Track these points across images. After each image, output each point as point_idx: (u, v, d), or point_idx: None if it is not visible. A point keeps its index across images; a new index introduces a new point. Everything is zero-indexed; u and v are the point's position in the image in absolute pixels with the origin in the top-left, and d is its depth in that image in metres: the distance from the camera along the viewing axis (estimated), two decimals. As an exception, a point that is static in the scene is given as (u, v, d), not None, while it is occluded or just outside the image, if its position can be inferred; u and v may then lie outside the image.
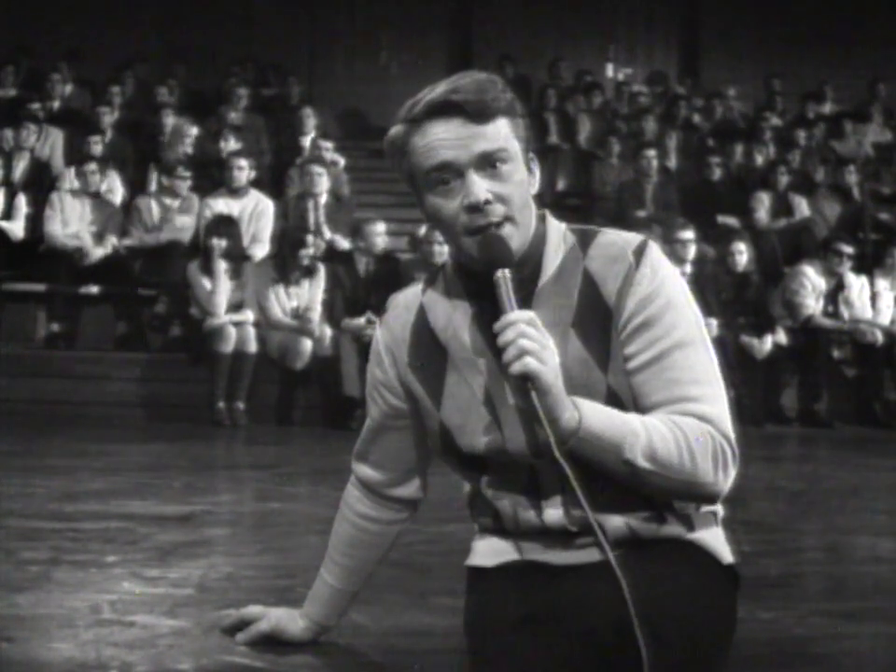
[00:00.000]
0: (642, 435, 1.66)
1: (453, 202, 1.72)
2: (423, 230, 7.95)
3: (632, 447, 1.65)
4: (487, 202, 1.70)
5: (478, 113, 1.71)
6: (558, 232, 1.82)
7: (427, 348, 1.84)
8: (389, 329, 1.90)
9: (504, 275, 1.68)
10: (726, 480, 1.72)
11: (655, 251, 1.78)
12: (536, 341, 1.61)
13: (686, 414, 1.70)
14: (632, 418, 1.69)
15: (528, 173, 1.77)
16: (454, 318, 1.81)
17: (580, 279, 1.77)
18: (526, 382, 1.60)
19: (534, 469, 1.77)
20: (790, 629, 2.62)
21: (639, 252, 1.76)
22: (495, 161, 1.72)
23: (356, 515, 2.09)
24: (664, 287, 1.75)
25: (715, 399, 1.74)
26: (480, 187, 1.70)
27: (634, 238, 1.79)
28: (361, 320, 7.54)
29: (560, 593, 1.75)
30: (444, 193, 1.73)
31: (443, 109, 1.71)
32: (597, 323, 1.75)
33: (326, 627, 2.20)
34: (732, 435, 1.73)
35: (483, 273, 1.72)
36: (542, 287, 1.76)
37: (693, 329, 1.76)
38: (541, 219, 1.82)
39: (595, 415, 1.66)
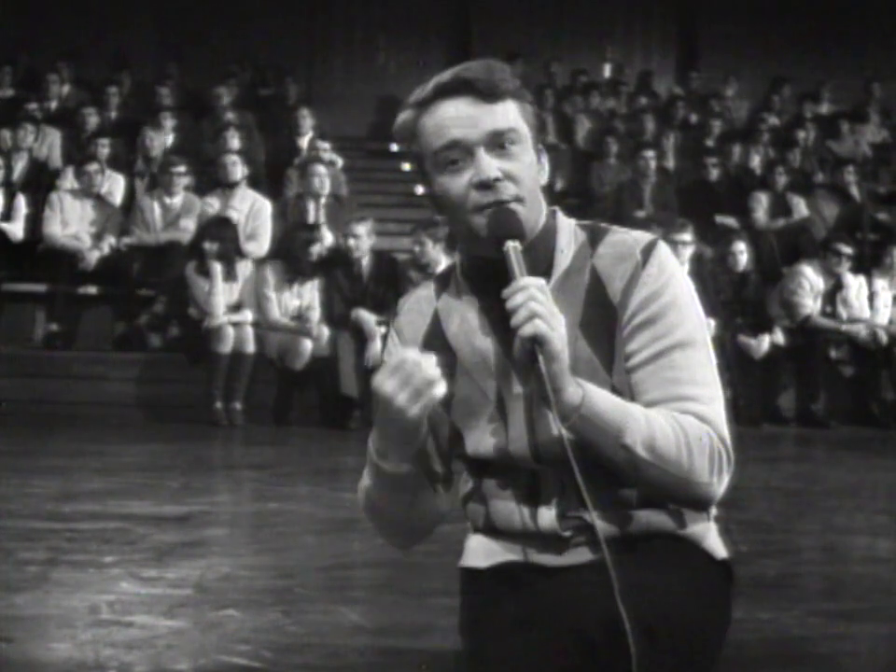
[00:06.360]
0: (643, 423, 1.66)
1: (461, 179, 1.71)
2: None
3: (632, 433, 1.65)
4: (497, 179, 1.70)
5: (487, 91, 1.71)
6: (569, 229, 1.81)
7: (438, 353, 1.84)
8: (401, 333, 1.89)
9: (514, 246, 1.67)
10: (720, 483, 1.71)
11: (664, 250, 1.78)
12: (545, 306, 1.61)
13: (685, 413, 1.70)
14: (634, 407, 1.69)
15: (537, 161, 1.77)
16: (465, 322, 1.81)
17: (587, 277, 1.76)
18: (535, 345, 1.60)
19: (534, 473, 1.76)
20: (788, 629, 2.62)
21: (648, 250, 1.76)
22: (504, 141, 1.71)
23: None
24: (669, 286, 1.75)
25: (713, 401, 1.73)
26: (489, 164, 1.70)
27: (643, 237, 1.79)
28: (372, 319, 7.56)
29: (552, 593, 1.75)
30: (453, 172, 1.72)
31: (453, 88, 1.71)
32: (604, 323, 1.74)
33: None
34: (728, 439, 1.72)
35: (491, 265, 1.71)
36: (553, 285, 1.75)
37: (696, 330, 1.75)
38: (552, 215, 1.81)
39: (599, 395, 1.66)
